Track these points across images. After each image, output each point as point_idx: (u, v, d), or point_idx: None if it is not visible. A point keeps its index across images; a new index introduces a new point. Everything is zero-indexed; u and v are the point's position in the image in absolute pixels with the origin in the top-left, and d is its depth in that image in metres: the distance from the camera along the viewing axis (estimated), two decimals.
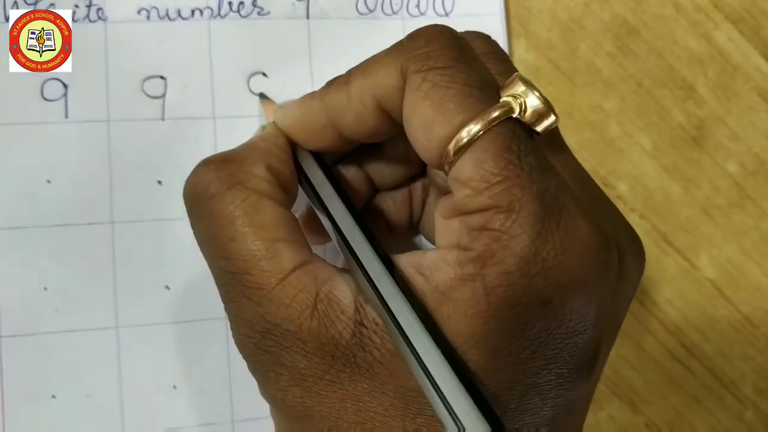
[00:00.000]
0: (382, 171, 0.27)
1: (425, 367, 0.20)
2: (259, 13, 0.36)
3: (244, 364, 0.33)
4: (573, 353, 0.22)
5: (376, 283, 0.22)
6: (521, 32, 0.39)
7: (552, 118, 0.22)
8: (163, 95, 0.35)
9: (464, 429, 0.20)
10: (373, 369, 0.21)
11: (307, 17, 0.36)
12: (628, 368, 0.37)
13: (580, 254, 0.21)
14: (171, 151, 0.34)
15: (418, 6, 0.38)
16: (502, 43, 0.38)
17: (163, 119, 0.34)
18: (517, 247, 0.20)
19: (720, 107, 0.39)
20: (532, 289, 0.20)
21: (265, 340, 0.22)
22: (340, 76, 0.25)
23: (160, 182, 0.34)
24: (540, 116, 0.22)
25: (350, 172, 0.27)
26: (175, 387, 0.33)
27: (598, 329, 0.22)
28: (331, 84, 0.25)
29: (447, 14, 0.38)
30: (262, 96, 0.34)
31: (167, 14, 0.35)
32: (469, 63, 0.22)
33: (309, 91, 0.36)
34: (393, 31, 0.38)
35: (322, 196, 0.24)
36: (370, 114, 0.24)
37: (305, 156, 0.26)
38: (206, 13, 0.35)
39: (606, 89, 0.39)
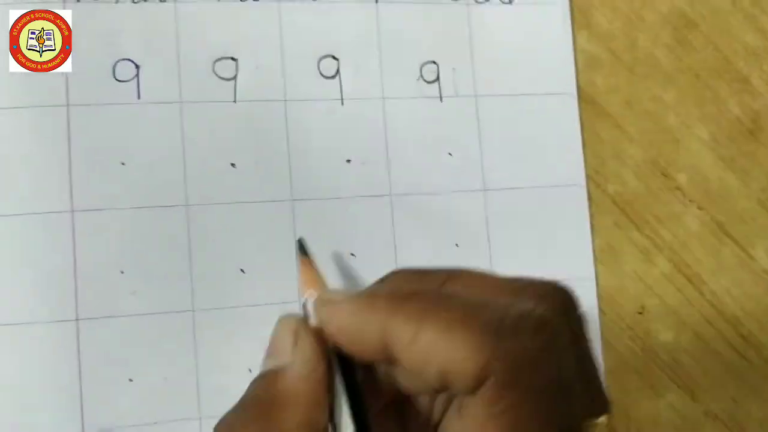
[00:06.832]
0: (408, 380, 0.24)
1: None
2: None
3: None
4: None
5: None
6: (583, 23, 0.39)
7: None
8: (235, 77, 0.34)
9: None
10: None
11: (376, 0, 0.36)
12: (687, 357, 0.37)
13: None
14: (244, 133, 0.34)
15: None
16: (565, 34, 0.38)
17: (234, 101, 0.34)
18: None
19: None
20: None
21: None
22: (410, 301, 0.21)
23: (233, 165, 0.33)
24: None
25: (379, 373, 0.25)
26: (250, 370, 0.33)
27: None
28: (398, 308, 0.21)
29: (510, 2, 0.38)
30: (302, 248, 0.29)
31: None
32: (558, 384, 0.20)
33: (378, 76, 0.36)
34: (458, 16, 0.37)
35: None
36: (428, 375, 0.20)
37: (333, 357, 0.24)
38: None
39: (665, 80, 0.39)
